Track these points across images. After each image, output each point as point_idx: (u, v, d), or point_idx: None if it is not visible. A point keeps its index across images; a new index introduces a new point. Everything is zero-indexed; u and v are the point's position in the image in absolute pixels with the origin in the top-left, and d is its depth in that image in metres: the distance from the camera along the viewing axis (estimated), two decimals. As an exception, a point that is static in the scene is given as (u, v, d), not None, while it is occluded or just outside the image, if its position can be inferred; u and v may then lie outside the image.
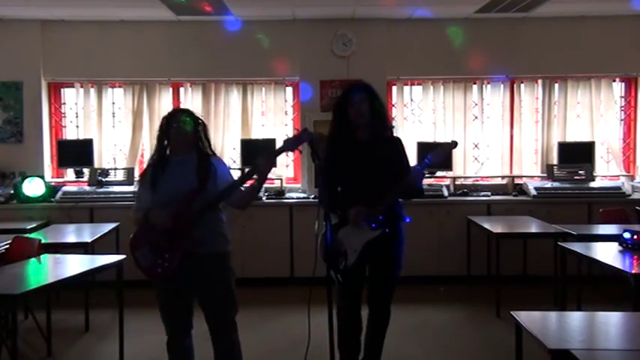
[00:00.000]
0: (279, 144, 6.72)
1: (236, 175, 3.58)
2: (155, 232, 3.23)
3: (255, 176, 3.28)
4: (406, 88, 7.30)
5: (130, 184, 6.82)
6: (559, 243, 4.80)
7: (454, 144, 3.76)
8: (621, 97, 7.35)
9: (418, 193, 3.67)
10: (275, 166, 3.38)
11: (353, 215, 3.50)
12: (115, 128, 7.28)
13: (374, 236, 3.52)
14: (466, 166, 7.17)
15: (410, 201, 3.77)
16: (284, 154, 3.54)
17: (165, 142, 3.37)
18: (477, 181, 7.23)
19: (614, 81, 7.25)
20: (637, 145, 7.31)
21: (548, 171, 6.96)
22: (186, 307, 3.35)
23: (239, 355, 3.40)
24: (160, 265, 3.23)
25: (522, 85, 7.24)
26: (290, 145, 3.28)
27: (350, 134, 3.65)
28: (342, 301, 3.61)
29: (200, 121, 3.42)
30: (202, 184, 3.26)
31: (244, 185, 3.35)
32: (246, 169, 3.46)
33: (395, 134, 4.03)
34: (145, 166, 3.57)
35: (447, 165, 6.81)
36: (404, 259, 3.71)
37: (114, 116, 7.30)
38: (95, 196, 6.63)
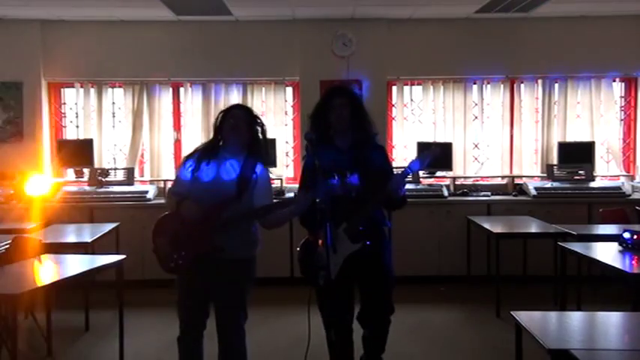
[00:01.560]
0: (279, 144, 6.88)
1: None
2: (180, 225, 3.20)
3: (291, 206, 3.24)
4: (406, 88, 7.30)
5: (130, 184, 6.83)
6: (559, 243, 4.80)
7: (437, 151, 3.48)
8: (621, 97, 7.35)
9: (399, 202, 3.47)
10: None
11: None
12: (115, 128, 7.29)
13: (355, 250, 3.35)
14: (466, 166, 7.17)
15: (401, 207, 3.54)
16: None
17: (219, 137, 3.32)
18: (477, 181, 7.23)
19: (614, 81, 7.25)
20: (637, 145, 7.31)
21: (548, 171, 6.95)
22: (202, 307, 3.31)
23: None
24: (173, 260, 3.21)
25: (522, 85, 7.24)
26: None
27: (330, 141, 3.47)
28: (329, 320, 3.39)
29: (259, 121, 3.34)
30: (239, 194, 3.19)
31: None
32: (284, 198, 3.43)
33: (379, 141, 3.68)
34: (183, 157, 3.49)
35: (447, 165, 6.83)
36: (393, 265, 3.57)
37: (114, 116, 7.30)
38: (95, 196, 6.63)
